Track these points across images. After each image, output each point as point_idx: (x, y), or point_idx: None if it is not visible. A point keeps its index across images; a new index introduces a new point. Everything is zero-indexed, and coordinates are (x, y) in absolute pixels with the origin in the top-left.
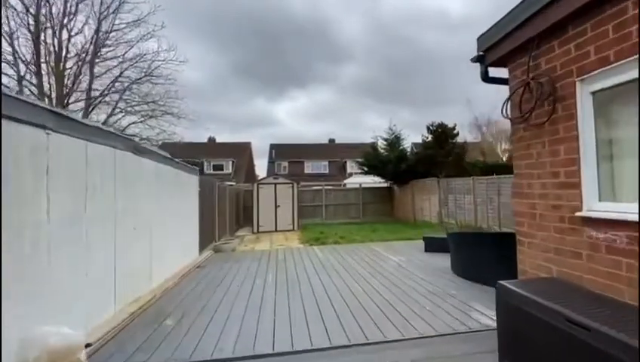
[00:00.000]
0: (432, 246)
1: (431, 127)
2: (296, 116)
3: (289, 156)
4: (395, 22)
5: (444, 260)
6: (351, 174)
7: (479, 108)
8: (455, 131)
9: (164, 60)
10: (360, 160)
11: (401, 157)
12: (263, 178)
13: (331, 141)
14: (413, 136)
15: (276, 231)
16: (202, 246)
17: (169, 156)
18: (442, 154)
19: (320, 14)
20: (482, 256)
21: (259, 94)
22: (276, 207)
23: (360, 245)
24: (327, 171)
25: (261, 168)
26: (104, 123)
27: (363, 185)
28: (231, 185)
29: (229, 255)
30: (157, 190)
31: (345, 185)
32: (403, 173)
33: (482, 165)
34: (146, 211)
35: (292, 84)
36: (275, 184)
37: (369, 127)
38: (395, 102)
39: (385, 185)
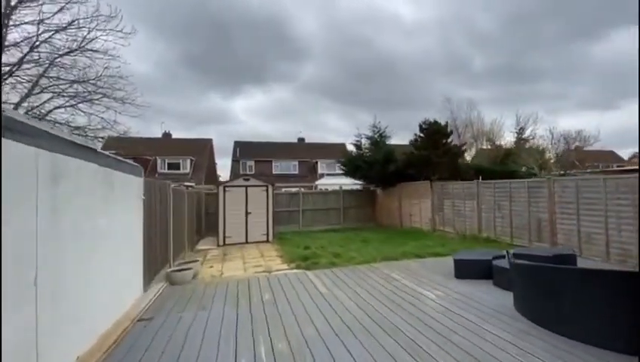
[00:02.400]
0: (465, 270)
1: (423, 125)
2: (254, 114)
3: (255, 155)
4: (351, 22)
5: (490, 292)
6: (322, 175)
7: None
8: (449, 130)
9: (104, 31)
10: (342, 160)
11: (388, 157)
12: (231, 179)
13: (301, 140)
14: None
15: (247, 243)
16: (149, 278)
17: (88, 145)
18: (438, 155)
19: (276, 8)
20: (595, 302)
21: (213, 89)
22: (247, 213)
23: (365, 268)
24: (297, 172)
25: (223, 168)
26: (17, 105)
27: (344, 188)
28: (190, 186)
29: (189, 289)
30: (54, 200)
31: (316, 186)
32: (390, 176)
33: (477, 168)
34: (26, 241)
35: (249, 80)
36: (246, 187)
37: (330, 128)
38: (354, 104)
39: (365, 187)
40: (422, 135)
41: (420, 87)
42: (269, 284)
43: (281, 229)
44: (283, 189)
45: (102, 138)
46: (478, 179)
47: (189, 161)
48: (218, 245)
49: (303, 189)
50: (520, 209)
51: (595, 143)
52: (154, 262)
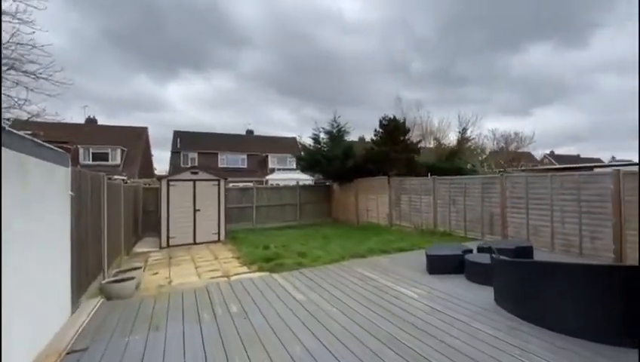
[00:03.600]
0: (438, 265)
1: (383, 121)
2: (193, 102)
3: (199, 146)
4: (294, 14)
5: (467, 287)
6: (273, 170)
7: (383, 110)
8: (407, 128)
9: None
10: (299, 154)
11: (347, 153)
12: (173, 173)
13: (249, 133)
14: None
15: (195, 243)
16: (79, 292)
17: None
18: (396, 151)
19: None
20: (580, 296)
21: (144, 72)
22: (195, 211)
23: (335, 267)
24: (245, 166)
25: (161, 160)
26: None
27: (301, 183)
28: (124, 181)
29: (133, 304)
30: None
31: (267, 181)
32: (349, 171)
33: (431, 165)
34: None
35: (185, 65)
36: (195, 181)
37: (276, 121)
38: (301, 98)
39: (320, 182)
40: (381, 131)
41: (364, 86)
42: (234, 292)
43: (232, 227)
44: (231, 184)
45: (7, 120)
46: (429, 175)
47: (119, 152)
48: (161, 247)
49: (252, 184)
50: (474, 204)
51: (530, 144)
52: (85, 273)
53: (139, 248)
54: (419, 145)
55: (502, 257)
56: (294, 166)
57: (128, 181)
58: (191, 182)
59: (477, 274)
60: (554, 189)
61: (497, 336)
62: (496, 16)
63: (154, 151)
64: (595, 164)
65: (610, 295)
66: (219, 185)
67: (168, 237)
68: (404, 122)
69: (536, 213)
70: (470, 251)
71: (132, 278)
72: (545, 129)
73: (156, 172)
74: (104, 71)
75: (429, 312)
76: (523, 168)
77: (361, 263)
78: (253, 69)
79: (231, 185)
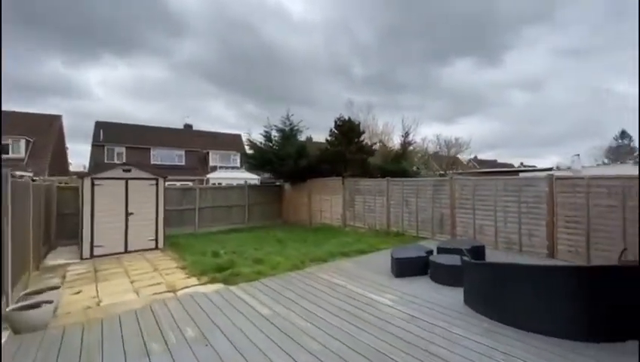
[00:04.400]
0: (404, 268)
1: (338, 122)
2: (116, 90)
3: (127, 140)
4: (235, 5)
5: (435, 289)
6: (215, 168)
7: (335, 112)
8: (362, 130)
9: None
10: (250, 153)
11: (301, 151)
12: (95, 169)
13: (188, 127)
14: (258, 130)
15: (127, 252)
16: None
17: None
18: (351, 152)
19: None
20: (549, 296)
21: (52, 51)
22: (128, 214)
23: (298, 274)
24: (183, 163)
25: (78, 155)
26: None
27: (249, 183)
28: (32, 179)
29: (51, 338)
30: None
31: (208, 180)
32: (302, 171)
33: (378, 167)
34: None
35: (105, 46)
36: (127, 179)
37: (215, 116)
38: (242, 94)
39: (267, 182)
40: (336, 131)
41: (308, 86)
42: (186, 311)
43: (172, 232)
44: (167, 183)
45: None
46: (379, 176)
47: (23, 143)
48: (82, 258)
49: (192, 183)
50: (425, 205)
51: (467, 150)
52: None
53: (53, 260)
54: (374, 147)
55: (473, 261)
56: (238, 164)
57: (37, 179)
58: (122, 181)
59: (442, 275)
60: (498, 191)
61: (479, 341)
62: (429, 31)
63: (69, 144)
64: (525, 169)
65: (576, 294)
66: (157, 184)
67: (92, 246)
68: (358, 124)
69: (481, 213)
70: (431, 252)
71: (49, 302)
72: (468, 136)
73: (71, 168)
74: (6, 48)
75: (407, 319)
76: (460, 171)
77: (324, 268)
78: (188, 59)
79: (167, 183)
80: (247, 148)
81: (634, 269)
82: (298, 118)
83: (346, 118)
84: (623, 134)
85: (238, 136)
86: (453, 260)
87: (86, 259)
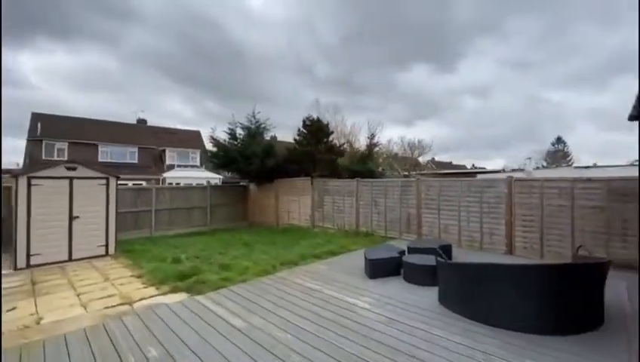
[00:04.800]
0: (379, 269)
1: (307, 121)
2: (55, 78)
3: (70, 134)
4: None
5: (409, 290)
6: (172, 167)
7: (301, 112)
8: (331, 130)
9: None
10: (214, 151)
11: (268, 151)
12: (33, 167)
13: (141, 122)
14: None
15: (72, 260)
16: None
17: None
18: (320, 152)
19: None
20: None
21: None
22: (72, 218)
23: (270, 279)
24: (136, 161)
25: (9, 150)
26: None
27: (212, 183)
28: None
29: None
30: None
31: (165, 180)
32: (269, 171)
33: (346, 167)
34: None
35: (39, 28)
36: (72, 178)
37: (169, 112)
38: (201, 89)
39: (228, 182)
40: (305, 131)
41: (271, 84)
42: (147, 327)
43: (125, 237)
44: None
45: None
46: (346, 177)
47: None
48: (16, 268)
49: (145, 183)
50: (393, 205)
51: (429, 152)
52: None
53: None
54: (343, 147)
55: (450, 262)
56: (198, 162)
57: None
58: (66, 181)
59: (415, 275)
60: (462, 192)
61: (459, 342)
62: (389, 36)
63: (11, 140)
64: (480, 171)
65: (544, 291)
66: (107, 184)
67: (28, 255)
68: (327, 124)
69: (446, 213)
70: (403, 252)
71: None
72: (425, 138)
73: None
74: None
75: (387, 323)
76: (423, 172)
77: (296, 272)
78: (139, 49)
79: (118, 183)
80: (210, 146)
81: (590, 266)
82: (261, 116)
83: (315, 117)
84: (559, 140)
85: (198, 133)
86: (426, 260)
87: (21, 269)
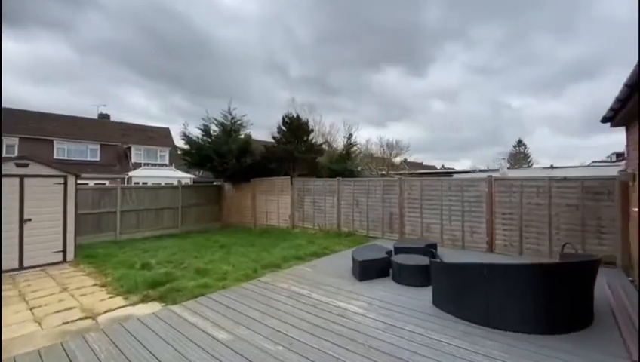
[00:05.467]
0: (369, 271)
1: (286, 119)
2: (4, 68)
3: (20, 129)
4: None
5: (400, 291)
6: (138, 165)
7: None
8: (310, 128)
9: None
10: (186, 148)
11: (245, 148)
12: None
13: (104, 117)
14: (192, 125)
15: (22, 269)
16: None
17: None
18: (300, 151)
19: None
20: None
21: None
22: (23, 221)
23: (252, 285)
24: (98, 158)
25: None
26: None
27: (184, 182)
28: None
29: None
30: None
31: (130, 179)
32: (246, 170)
33: (327, 167)
34: None
35: None
36: (22, 176)
37: (133, 107)
38: (168, 84)
39: (209, 181)
40: (285, 128)
41: (243, 81)
42: (115, 346)
43: (86, 241)
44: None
45: None
46: (326, 176)
47: None
48: None
49: (108, 183)
50: (375, 204)
51: (407, 152)
52: None
53: None
54: (323, 146)
55: (445, 262)
56: (167, 161)
57: None
58: (15, 179)
59: (405, 276)
60: (443, 192)
61: (459, 345)
62: (363, 37)
63: None
64: (455, 171)
65: (541, 290)
66: (65, 183)
67: None
68: (307, 122)
69: (428, 212)
70: (391, 252)
71: None
72: (403, 139)
73: None
74: None
75: (383, 329)
76: (401, 172)
77: (281, 276)
78: (99, 40)
79: (78, 182)
80: (182, 143)
81: (585, 264)
82: (237, 113)
83: (295, 115)
84: (520, 143)
85: (167, 130)
86: (415, 260)
87: None
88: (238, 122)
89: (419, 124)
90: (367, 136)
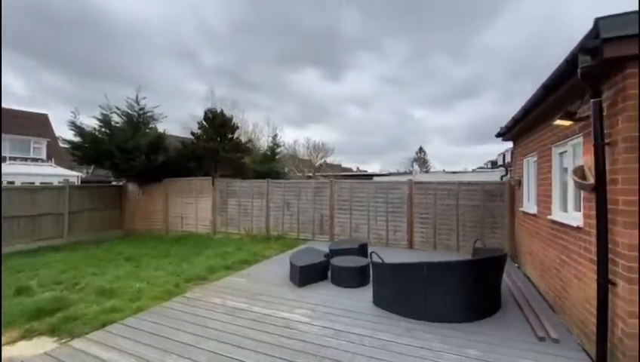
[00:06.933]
0: (308, 276)
1: (208, 113)
2: None
3: None
4: None
5: (340, 294)
6: (4, 159)
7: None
8: (235, 125)
9: None
10: (77, 141)
11: (157, 144)
12: None
13: None
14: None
15: None
16: None
17: None
18: (225, 149)
19: None
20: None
21: None
22: None
23: (177, 303)
24: None
25: None
26: None
27: (71, 183)
28: None
29: None
30: None
31: None
32: (157, 169)
33: (253, 168)
34: None
35: None
36: None
37: None
38: (40, 59)
39: (107, 181)
40: (207, 124)
41: (143, 65)
42: None
43: None
44: None
45: None
46: (252, 178)
47: None
48: None
49: None
50: (306, 206)
51: (332, 154)
52: None
53: None
54: (250, 145)
55: (386, 263)
56: (44, 155)
57: None
58: None
59: (344, 278)
60: (370, 194)
61: (406, 343)
62: (281, 34)
63: None
64: (375, 174)
65: (466, 284)
66: None
67: None
68: (231, 118)
69: (357, 213)
70: (328, 255)
71: None
72: (323, 142)
73: None
74: None
75: (333, 336)
76: (327, 174)
77: (210, 289)
78: None
79: None
80: (71, 134)
81: (499, 258)
82: (147, 102)
83: (219, 110)
84: (421, 149)
85: (45, 117)
86: (354, 262)
87: None
88: (148, 114)
89: (335, 127)
90: (290, 138)
